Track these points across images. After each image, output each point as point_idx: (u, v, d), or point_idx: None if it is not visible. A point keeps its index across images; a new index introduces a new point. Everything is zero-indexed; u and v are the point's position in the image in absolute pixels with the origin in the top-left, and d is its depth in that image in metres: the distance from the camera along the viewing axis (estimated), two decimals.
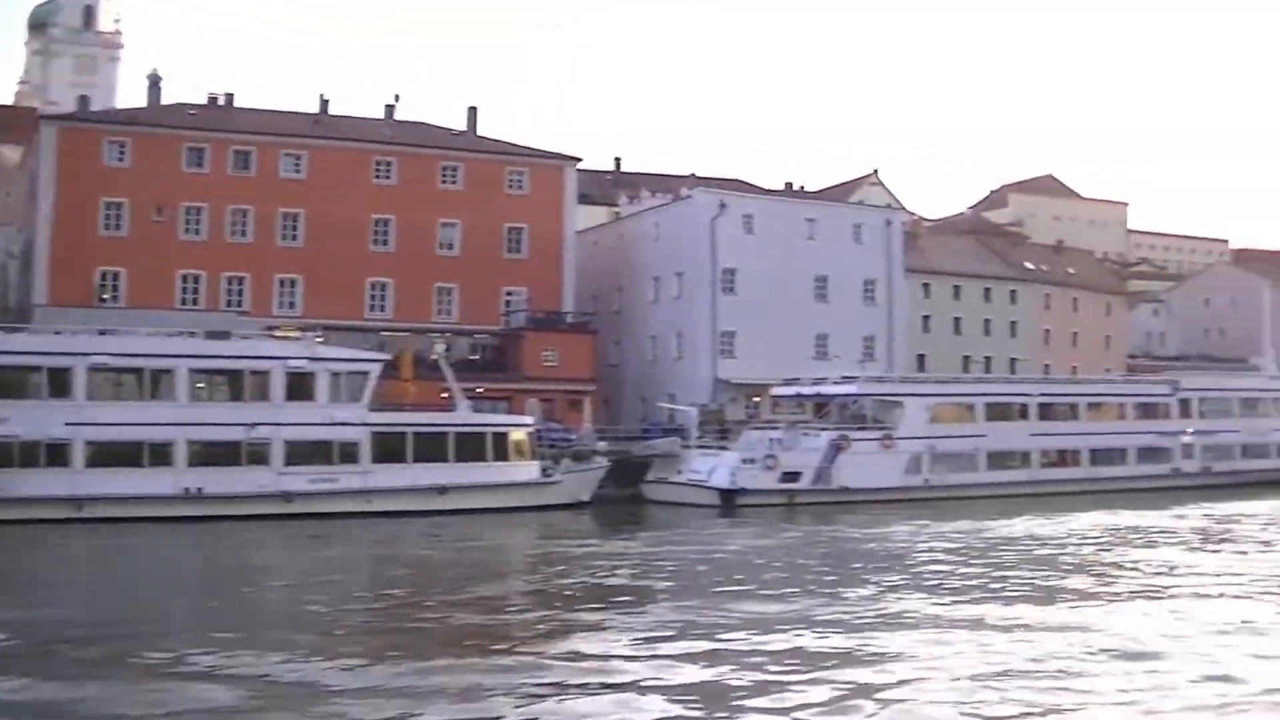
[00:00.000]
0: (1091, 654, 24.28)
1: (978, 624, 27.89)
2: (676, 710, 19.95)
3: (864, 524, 54.79)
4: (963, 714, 19.68)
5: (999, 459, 73.56)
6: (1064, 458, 76.60)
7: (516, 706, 20.24)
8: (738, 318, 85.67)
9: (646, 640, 25.90)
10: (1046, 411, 77.28)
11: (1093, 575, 37.38)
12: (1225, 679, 22.17)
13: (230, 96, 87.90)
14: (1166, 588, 34.49)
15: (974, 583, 35.47)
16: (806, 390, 74.40)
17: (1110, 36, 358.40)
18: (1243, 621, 28.45)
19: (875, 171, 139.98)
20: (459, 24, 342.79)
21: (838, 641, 25.56)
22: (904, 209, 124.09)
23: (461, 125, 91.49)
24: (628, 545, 47.71)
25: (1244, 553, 44.41)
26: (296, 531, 51.17)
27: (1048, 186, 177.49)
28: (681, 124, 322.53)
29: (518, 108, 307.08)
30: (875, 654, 24.30)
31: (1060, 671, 22.48)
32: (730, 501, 63.99)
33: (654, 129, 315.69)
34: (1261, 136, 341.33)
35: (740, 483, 64.73)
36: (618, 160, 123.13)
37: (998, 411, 75.45)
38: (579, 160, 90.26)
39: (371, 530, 51.84)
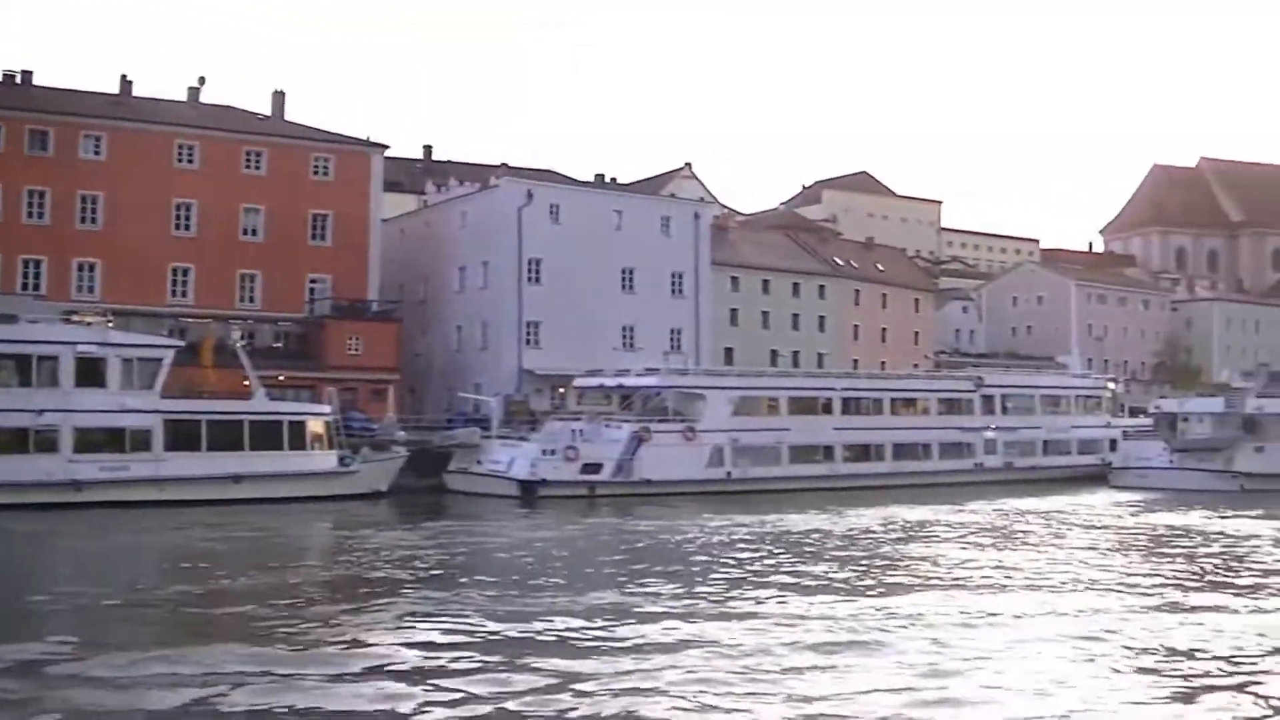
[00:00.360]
0: (818, 647, 24.26)
1: (718, 617, 27.89)
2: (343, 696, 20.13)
3: (656, 516, 55.06)
4: (639, 707, 19.64)
5: (802, 453, 74.19)
6: (867, 452, 77.31)
7: (239, 695, 19.96)
8: (543, 308, 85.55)
9: (374, 630, 26.24)
10: (850, 406, 77.98)
11: (858, 570, 37.57)
12: (940, 673, 22.27)
13: (29, 74, 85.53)
14: (927, 582, 34.81)
15: (732, 576, 35.43)
16: (609, 382, 74.33)
17: (928, 39, 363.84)
18: (989, 613, 28.87)
19: (688, 165, 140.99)
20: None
21: (557, 631, 25.76)
22: (717, 203, 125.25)
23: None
24: (404, 537, 46.98)
25: (1020, 548, 44.92)
26: (85, 521, 49.82)
27: (862, 184, 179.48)
28: (498, 114, 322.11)
29: (332, 96, 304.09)
30: (589, 644, 24.33)
31: (775, 668, 22.32)
32: (530, 493, 63.93)
33: (470, 118, 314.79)
34: (1073, 140, 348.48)
35: (540, 474, 64.74)
36: (428, 148, 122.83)
37: (801, 405, 76.12)
38: (386, 147, 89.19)
39: (162, 520, 50.56)
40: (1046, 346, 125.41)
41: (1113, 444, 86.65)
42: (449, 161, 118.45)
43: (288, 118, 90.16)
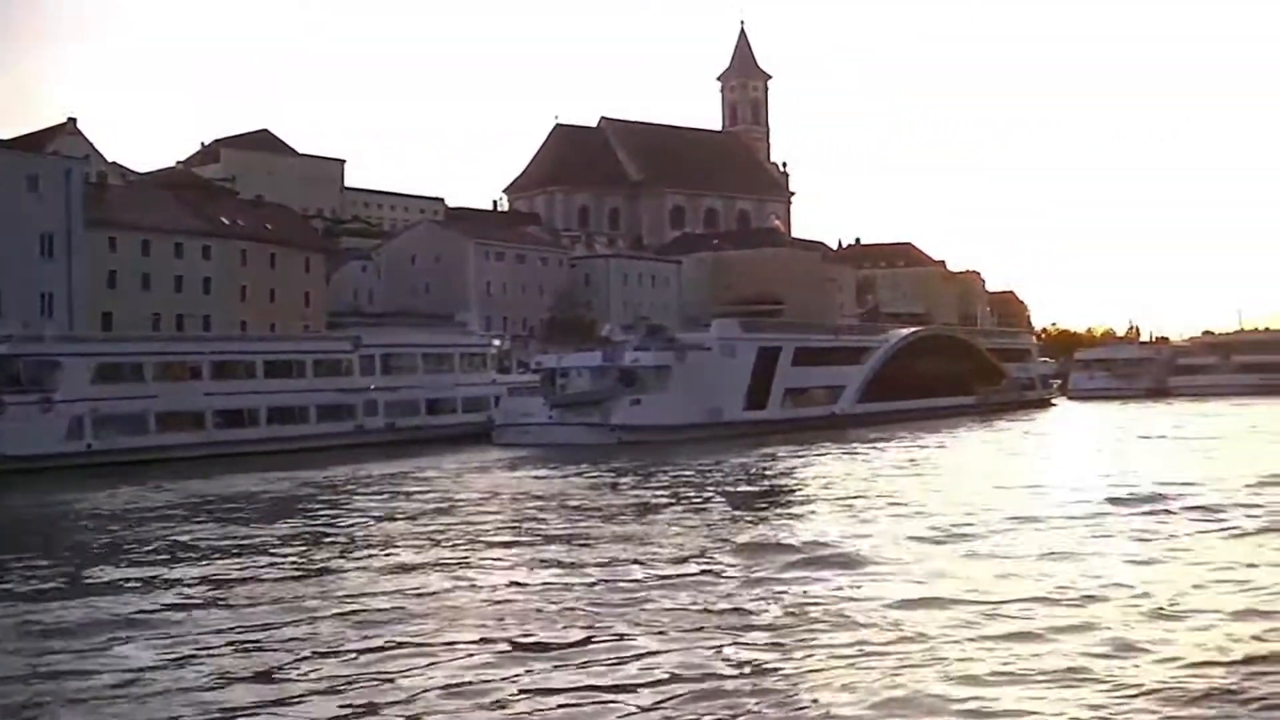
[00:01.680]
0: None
1: None
2: None
3: None
4: None
5: (170, 420, 71.32)
6: (241, 418, 74.93)
7: None
8: None
9: None
10: (221, 370, 75.62)
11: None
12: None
13: None
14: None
15: None
16: None
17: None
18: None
19: (72, 120, 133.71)
20: None
21: None
22: (103, 160, 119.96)
23: None
24: None
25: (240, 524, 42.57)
26: None
27: (262, 142, 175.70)
28: None
29: None
30: None
31: None
32: None
33: None
34: (482, 100, 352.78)
35: None
36: None
37: (169, 371, 73.31)
38: None
39: None
40: (447, 305, 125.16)
41: (499, 401, 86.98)
42: None
43: None
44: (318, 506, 47.24)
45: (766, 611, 24.18)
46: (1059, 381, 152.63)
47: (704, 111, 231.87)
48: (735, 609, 24.48)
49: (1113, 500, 41.01)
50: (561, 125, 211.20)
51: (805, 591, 26.07)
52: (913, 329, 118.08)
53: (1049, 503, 41.65)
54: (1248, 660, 19.58)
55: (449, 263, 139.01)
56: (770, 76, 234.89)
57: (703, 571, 29.09)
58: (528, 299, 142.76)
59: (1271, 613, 23.15)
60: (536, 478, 57.72)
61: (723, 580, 27.84)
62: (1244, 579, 26.50)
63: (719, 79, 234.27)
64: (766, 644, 21.45)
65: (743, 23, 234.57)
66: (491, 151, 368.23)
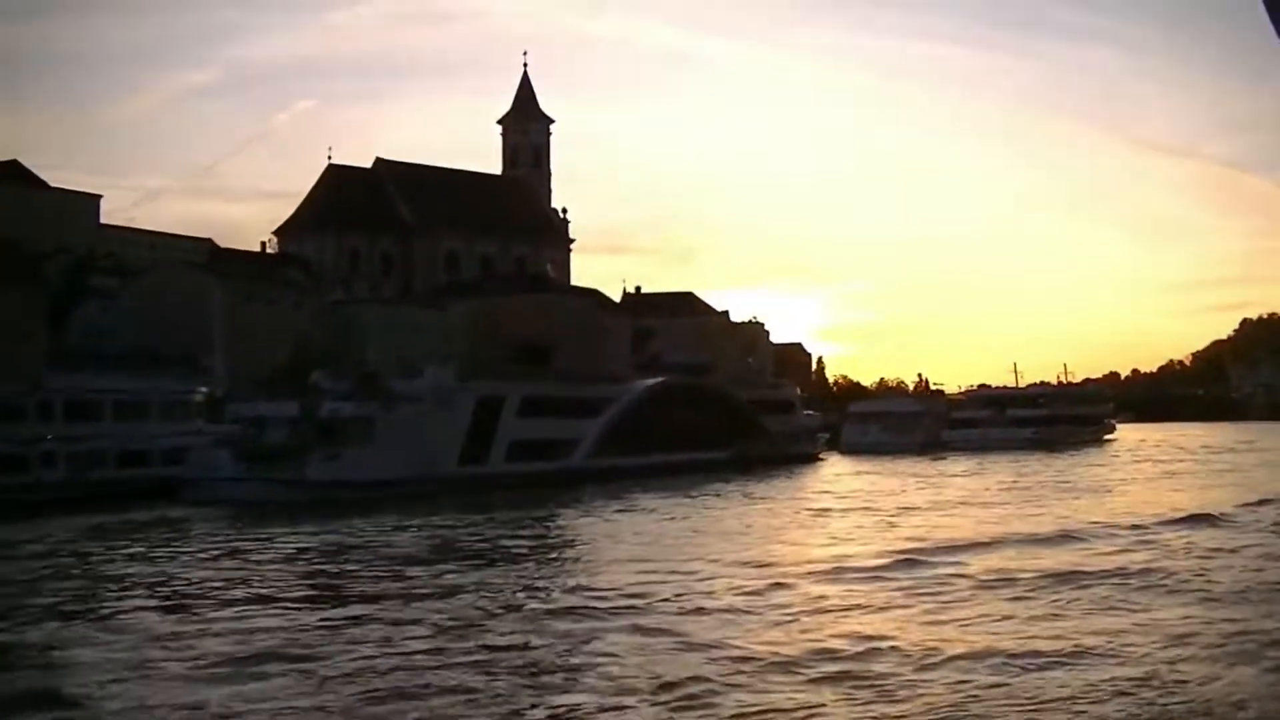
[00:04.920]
0: None
1: None
2: None
3: None
4: None
5: None
6: None
7: None
8: None
9: None
10: None
11: None
12: None
13: None
14: None
15: None
16: None
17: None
18: None
19: None
20: None
21: None
22: None
23: None
24: None
25: None
26: None
27: (10, 173, 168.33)
28: None
29: None
30: None
31: None
32: None
33: None
34: (254, 136, 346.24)
35: None
36: None
37: None
38: None
39: None
40: (195, 348, 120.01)
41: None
42: None
43: None
44: None
45: None
46: (827, 435, 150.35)
47: (484, 155, 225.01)
48: None
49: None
50: (334, 165, 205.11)
51: None
52: (658, 379, 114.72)
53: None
54: None
55: (197, 304, 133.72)
56: (553, 120, 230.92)
57: None
58: (278, 345, 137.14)
59: None
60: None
61: None
62: None
63: (499, 122, 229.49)
64: None
65: (525, 66, 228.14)
66: (270, 192, 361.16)
